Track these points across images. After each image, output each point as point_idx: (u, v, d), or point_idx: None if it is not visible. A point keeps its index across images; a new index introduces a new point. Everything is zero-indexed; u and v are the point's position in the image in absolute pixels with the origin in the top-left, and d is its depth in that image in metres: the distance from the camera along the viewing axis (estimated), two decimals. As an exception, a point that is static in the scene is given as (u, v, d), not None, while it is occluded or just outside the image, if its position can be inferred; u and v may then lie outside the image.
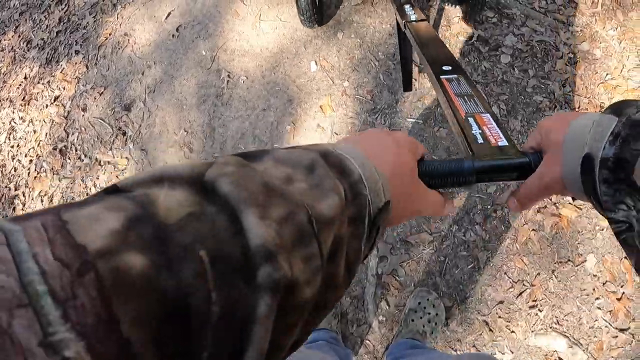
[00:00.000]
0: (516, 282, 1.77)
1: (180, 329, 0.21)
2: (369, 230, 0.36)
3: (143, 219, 0.22)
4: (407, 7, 1.54)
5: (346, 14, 2.26)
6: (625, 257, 1.74)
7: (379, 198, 0.37)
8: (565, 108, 2.02)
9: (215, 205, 0.25)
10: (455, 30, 2.16)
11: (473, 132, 0.70)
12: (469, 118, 0.75)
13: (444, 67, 0.98)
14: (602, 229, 1.79)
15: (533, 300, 1.75)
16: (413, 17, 1.45)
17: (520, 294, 1.75)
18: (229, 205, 0.25)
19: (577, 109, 2.03)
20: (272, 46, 2.24)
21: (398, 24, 1.59)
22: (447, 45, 2.01)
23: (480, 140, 0.67)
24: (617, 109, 0.43)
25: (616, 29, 2.23)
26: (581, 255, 1.78)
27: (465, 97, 0.84)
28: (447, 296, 1.76)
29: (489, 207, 1.87)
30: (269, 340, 0.25)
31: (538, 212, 1.85)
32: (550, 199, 1.86)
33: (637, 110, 0.41)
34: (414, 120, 1.96)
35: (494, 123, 0.72)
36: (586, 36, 2.19)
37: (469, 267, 1.79)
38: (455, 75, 0.92)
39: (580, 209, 1.83)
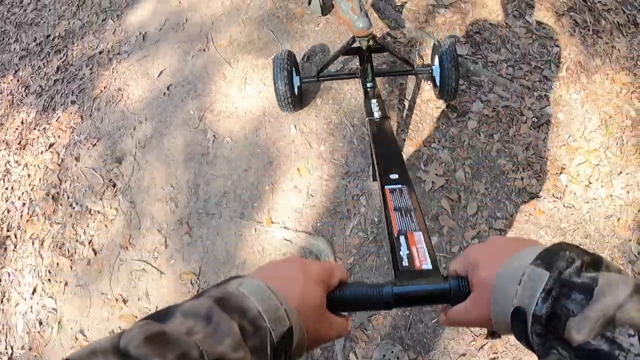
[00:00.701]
0: (477, 336, 1.88)
1: None
2: (273, 355, 0.43)
3: None
4: (373, 102, 1.67)
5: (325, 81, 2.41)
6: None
7: (281, 325, 0.44)
8: (528, 171, 2.15)
9: None
10: (425, 97, 2.31)
11: (401, 252, 0.80)
12: (400, 236, 0.86)
13: (391, 176, 1.10)
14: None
15: (494, 353, 1.85)
16: (376, 115, 1.58)
17: (482, 347, 1.85)
18: None
19: (539, 172, 2.16)
20: (256, 109, 2.39)
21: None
22: (417, 115, 2.16)
23: (406, 263, 0.76)
24: (549, 261, 0.44)
25: (579, 92, 2.39)
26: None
27: (403, 211, 0.94)
28: (411, 349, 1.86)
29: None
30: None
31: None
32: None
33: (566, 264, 0.42)
34: (384, 183, 2.09)
35: (423, 243, 0.82)
36: (550, 100, 2.35)
37: (433, 321, 1.90)
38: (399, 186, 1.04)
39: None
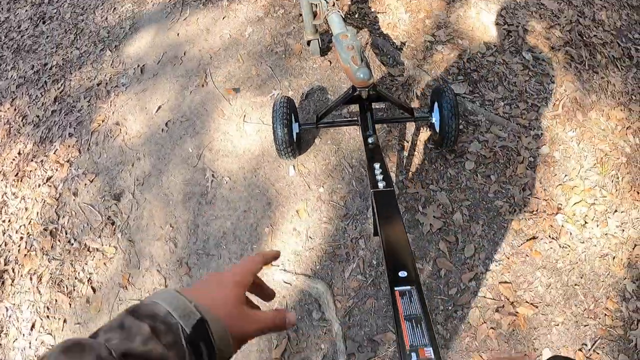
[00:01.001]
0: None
1: None
2: (193, 348, 0.46)
3: None
4: (376, 167, 1.66)
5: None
6: (580, 349, 1.88)
7: (192, 318, 0.47)
8: (525, 212, 2.16)
9: None
10: (423, 137, 2.32)
11: None
12: (412, 353, 0.87)
13: (401, 273, 1.09)
14: (557, 324, 1.92)
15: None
16: (381, 185, 1.58)
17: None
18: None
19: (536, 213, 2.17)
20: (254, 148, 2.40)
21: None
22: (415, 156, 2.16)
23: None
24: None
25: (575, 130, 2.41)
26: (537, 349, 1.90)
27: (414, 321, 0.95)
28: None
29: (450, 307, 1.99)
30: None
31: (496, 311, 1.98)
32: (508, 298, 1.99)
33: None
34: (383, 226, 2.10)
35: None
36: (547, 139, 2.36)
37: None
38: (409, 288, 1.04)
39: (537, 307, 1.96)
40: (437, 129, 2.17)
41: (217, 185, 2.33)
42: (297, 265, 2.07)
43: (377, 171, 1.64)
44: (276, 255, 0.68)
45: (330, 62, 2.69)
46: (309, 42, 2.64)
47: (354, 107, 2.48)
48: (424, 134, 2.35)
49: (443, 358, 1.91)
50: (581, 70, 2.65)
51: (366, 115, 2.02)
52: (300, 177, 2.27)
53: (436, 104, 2.16)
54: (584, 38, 2.82)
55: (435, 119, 2.18)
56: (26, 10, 3.95)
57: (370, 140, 1.90)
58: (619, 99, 2.55)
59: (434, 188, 2.19)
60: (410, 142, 2.34)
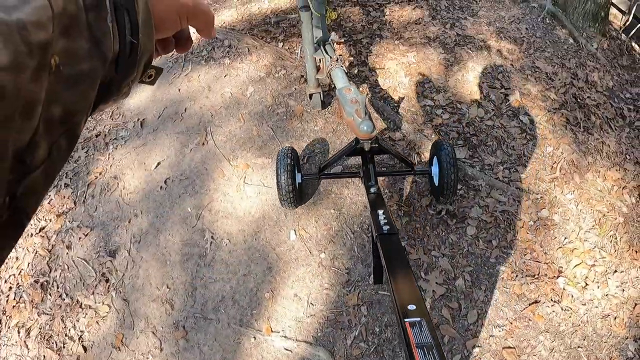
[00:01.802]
0: None
1: None
2: (115, 11, 0.37)
3: None
4: (380, 213, 1.69)
5: (326, 184, 2.43)
6: None
7: None
8: (526, 276, 2.17)
9: None
10: (425, 203, 2.33)
11: None
12: None
13: (410, 307, 1.12)
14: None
15: None
16: (385, 229, 1.60)
17: None
18: None
19: (537, 277, 2.18)
20: (255, 211, 2.38)
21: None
22: (417, 222, 2.17)
23: None
24: None
25: (574, 192, 2.44)
26: None
27: (426, 349, 0.97)
28: None
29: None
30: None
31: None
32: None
33: None
34: (385, 292, 2.09)
35: None
36: (546, 202, 2.39)
37: None
38: (419, 319, 1.06)
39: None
40: (436, 182, 2.20)
41: (216, 247, 2.30)
42: (298, 332, 2.03)
43: (381, 217, 1.65)
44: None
45: (333, 128, 2.71)
46: (311, 96, 2.69)
47: (355, 160, 2.52)
48: (425, 199, 2.35)
49: None
50: (577, 132, 2.71)
51: (369, 167, 2.06)
52: (301, 242, 2.26)
53: (435, 158, 2.20)
54: (578, 100, 2.89)
55: (434, 172, 2.22)
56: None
57: (372, 190, 1.93)
58: (614, 159, 2.60)
59: (436, 254, 2.18)
60: (411, 207, 2.34)
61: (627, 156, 2.63)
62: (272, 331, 2.04)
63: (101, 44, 0.36)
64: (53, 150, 0.33)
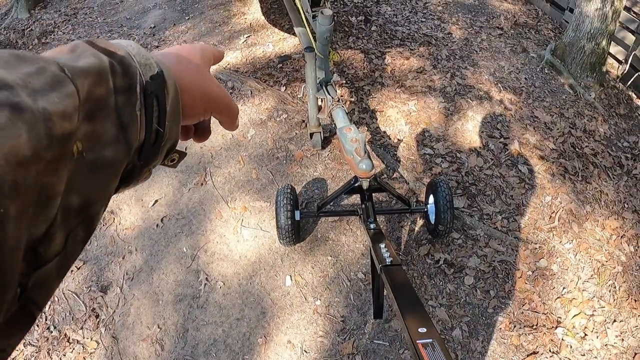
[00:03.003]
0: None
1: None
2: (144, 97, 0.37)
3: None
4: (382, 247, 1.70)
5: (323, 230, 2.43)
6: None
7: (150, 70, 0.38)
8: (525, 327, 2.12)
9: None
10: (423, 252, 2.32)
11: None
12: None
13: (420, 329, 1.12)
14: None
15: None
16: (388, 261, 1.61)
17: None
18: None
19: (536, 327, 2.13)
20: (251, 254, 2.36)
21: (372, 259, 1.75)
22: (414, 270, 2.16)
23: None
24: None
25: (572, 241, 2.42)
26: None
27: None
28: None
29: None
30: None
31: None
32: None
33: None
34: (380, 342, 2.04)
35: None
36: (544, 252, 2.36)
37: None
38: (431, 340, 1.07)
39: None
40: (432, 220, 2.23)
41: (210, 289, 2.27)
42: (290, 380, 1.98)
43: (383, 250, 1.66)
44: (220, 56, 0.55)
45: (333, 175, 2.72)
46: (311, 135, 2.72)
47: (353, 200, 2.54)
48: (424, 248, 2.34)
49: None
50: (575, 181, 2.71)
51: (367, 205, 2.08)
52: (297, 288, 2.23)
53: (432, 196, 2.23)
54: (577, 149, 2.91)
55: (430, 210, 2.25)
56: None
57: (372, 226, 1.95)
58: (612, 208, 2.59)
59: (433, 304, 2.15)
60: (409, 256, 2.33)
61: (626, 204, 2.63)
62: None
63: (127, 130, 0.35)
64: (69, 240, 0.31)
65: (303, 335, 2.09)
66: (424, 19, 4.21)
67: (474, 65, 3.54)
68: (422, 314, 1.19)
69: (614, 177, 2.79)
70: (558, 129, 3.03)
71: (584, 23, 3.31)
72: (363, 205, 2.12)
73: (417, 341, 1.06)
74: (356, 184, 2.11)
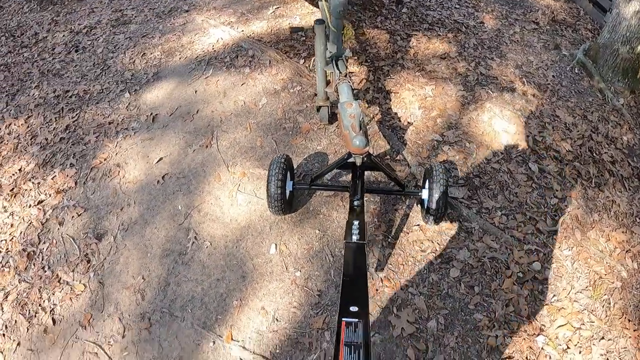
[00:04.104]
0: None
1: None
2: None
3: None
4: (355, 224, 1.70)
5: (316, 204, 2.42)
6: None
7: None
8: (504, 329, 2.06)
9: None
10: (412, 238, 2.28)
11: None
12: None
13: (351, 308, 1.13)
14: None
15: None
16: (354, 238, 1.63)
17: None
18: None
19: (516, 331, 2.06)
20: (242, 219, 2.38)
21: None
22: (399, 255, 2.13)
23: None
24: None
25: (572, 248, 2.33)
26: None
27: (353, 347, 1.00)
28: None
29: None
30: None
31: None
32: None
33: None
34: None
35: None
36: (540, 256, 2.28)
37: None
38: (356, 320, 1.08)
39: None
40: (426, 204, 2.19)
41: (197, 247, 2.30)
42: (257, 345, 2.00)
43: (355, 226, 1.70)
44: None
45: (336, 150, 2.70)
46: (318, 108, 2.71)
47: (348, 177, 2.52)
48: (413, 234, 2.30)
49: None
50: (587, 187, 2.60)
51: (357, 182, 2.07)
52: (280, 257, 2.24)
53: (427, 181, 2.19)
54: (594, 154, 2.79)
55: (425, 195, 2.22)
56: (63, 36, 4.12)
57: (356, 203, 1.96)
58: (622, 220, 2.48)
59: (413, 291, 2.12)
60: (397, 240, 2.29)
61: (638, 218, 2.50)
62: (232, 339, 2.02)
63: None
64: None
65: (277, 303, 2.10)
66: (457, 6, 4.09)
67: (502, 57, 3.42)
68: (361, 293, 1.19)
69: (630, 189, 2.66)
70: (578, 131, 2.91)
71: (621, 25, 3.15)
72: (353, 182, 2.11)
73: (343, 319, 1.07)
74: (349, 160, 2.10)
